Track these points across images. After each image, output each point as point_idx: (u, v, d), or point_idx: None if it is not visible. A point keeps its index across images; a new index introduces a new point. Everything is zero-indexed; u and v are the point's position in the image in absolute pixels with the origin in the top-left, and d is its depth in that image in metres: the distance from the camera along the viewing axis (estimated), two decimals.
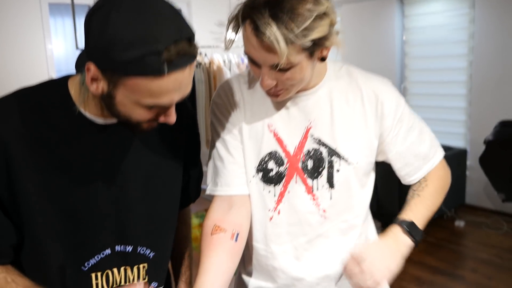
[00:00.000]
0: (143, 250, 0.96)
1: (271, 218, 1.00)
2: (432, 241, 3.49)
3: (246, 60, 4.94)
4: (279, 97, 0.93)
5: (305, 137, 0.99)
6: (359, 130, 0.98)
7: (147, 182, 0.94)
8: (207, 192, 1.04)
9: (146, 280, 0.97)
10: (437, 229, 3.64)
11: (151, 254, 0.96)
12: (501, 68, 3.76)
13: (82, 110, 0.85)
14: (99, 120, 0.87)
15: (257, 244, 1.03)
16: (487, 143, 2.98)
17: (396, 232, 0.94)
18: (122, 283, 0.95)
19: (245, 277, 1.09)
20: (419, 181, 1.04)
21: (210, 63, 4.42)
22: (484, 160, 3.04)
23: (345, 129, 0.97)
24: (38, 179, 0.83)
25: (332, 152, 0.97)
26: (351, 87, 0.99)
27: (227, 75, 4.49)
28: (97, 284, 0.92)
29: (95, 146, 0.87)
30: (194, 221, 3.72)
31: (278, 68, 0.84)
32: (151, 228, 0.96)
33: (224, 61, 4.51)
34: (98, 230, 0.89)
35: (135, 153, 0.92)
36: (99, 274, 0.91)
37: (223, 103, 1.02)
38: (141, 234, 0.95)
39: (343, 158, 0.97)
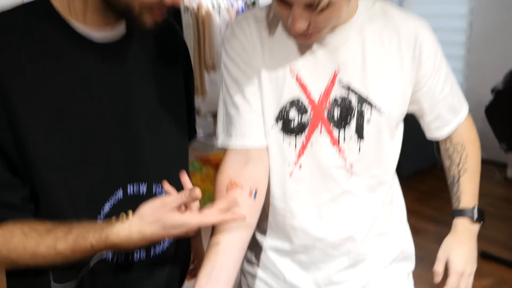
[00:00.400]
0: (158, 190, 0.88)
1: (291, 173, 0.91)
2: (425, 190, 3.50)
3: (235, 4, 4.70)
4: (310, 40, 0.82)
5: (332, 82, 0.87)
6: (394, 76, 0.87)
7: (154, 112, 0.87)
8: (219, 143, 0.93)
9: None
10: (430, 178, 3.64)
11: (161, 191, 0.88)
12: (503, 16, 3.62)
13: (74, 24, 0.76)
14: (96, 35, 0.78)
15: (275, 201, 0.93)
16: (496, 92, 2.90)
17: (467, 226, 0.96)
18: None
19: (258, 235, 1.00)
20: (456, 149, 1.00)
21: (198, 8, 4.18)
22: (490, 110, 2.97)
23: (378, 74, 0.86)
24: (40, 119, 0.73)
25: (363, 100, 0.87)
26: (387, 27, 0.87)
27: (216, 20, 4.27)
28: None
29: (96, 72, 0.79)
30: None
31: (316, 7, 0.72)
32: (163, 163, 0.88)
33: (213, 6, 4.27)
34: (107, 168, 0.80)
35: (138, 80, 0.85)
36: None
37: (239, 42, 0.89)
38: (154, 170, 0.87)
39: (375, 107, 0.87)
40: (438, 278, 0.91)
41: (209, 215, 0.76)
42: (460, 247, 0.94)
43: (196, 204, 0.78)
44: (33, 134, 0.72)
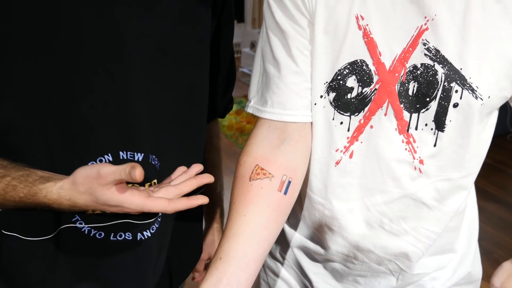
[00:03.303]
0: (154, 161, 0.69)
1: (338, 162, 0.68)
2: (488, 162, 3.13)
3: None
4: None
5: (414, 43, 0.61)
6: (506, 45, 0.59)
7: (157, 58, 0.66)
8: (249, 109, 0.70)
9: None
10: (495, 149, 3.24)
11: (157, 164, 0.70)
12: None
13: None
14: None
15: (313, 194, 0.71)
16: None
17: None
18: None
19: (286, 228, 0.79)
20: None
21: None
22: None
23: (484, 41, 0.58)
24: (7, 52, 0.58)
25: (454, 75, 0.60)
26: None
27: None
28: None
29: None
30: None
31: None
32: (167, 133, 0.69)
33: None
34: (92, 126, 0.63)
35: (139, 9, 0.63)
36: None
37: None
38: (153, 137, 0.68)
39: (469, 87, 0.60)
40: None
41: (157, 201, 0.59)
42: None
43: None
44: None
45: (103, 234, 0.69)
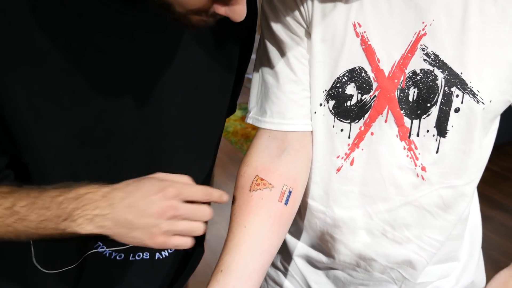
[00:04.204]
0: None
1: (339, 169, 0.67)
2: (496, 170, 3.10)
3: None
4: None
5: (412, 48, 0.60)
6: (506, 49, 0.58)
7: (189, 95, 0.66)
8: (249, 120, 0.70)
9: None
10: (503, 157, 3.22)
11: None
12: None
13: None
14: None
15: (313, 202, 0.71)
16: None
17: None
18: None
19: (288, 236, 0.79)
20: None
21: None
22: None
23: (484, 44, 0.58)
24: (30, 83, 0.55)
25: (454, 79, 0.60)
26: None
27: None
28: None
29: (118, 34, 0.57)
30: (237, 113, 3.45)
31: None
32: (189, 158, 0.68)
33: None
34: (117, 158, 0.62)
35: (175, 50, 0.62)
36: None
37: None
38: (177, 165, 0.67)
39: (470, 92, 0.60)
40: None
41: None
42: None
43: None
44: (18, 97, 0.54)
45: (123, 255, 0.70)
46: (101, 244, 0.68)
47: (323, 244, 0.73)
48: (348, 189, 0.67)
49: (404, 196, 0.66)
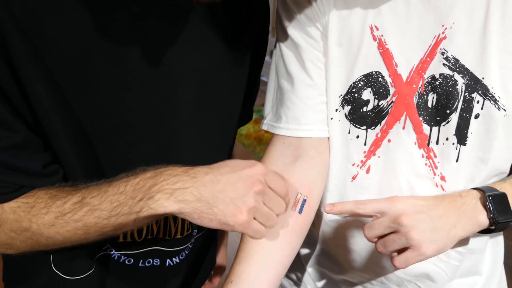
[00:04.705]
0: None
1: (354, 177, 0.65)
2: None
3: None
4: None
5: (431, 52, 0.58)
6: None
7: (200, 93, 0.64)
8: (264, 127, 0.69)
9: (190, 230, 0.71)
10: None
11: None
12: None
13: None
14: None
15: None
16: None
17: (469, 196, 0.58)
18: (160, 234, 0.68)
19: (302, 248, 0.76)
20: None
21: None
22: None
23: (506, 49, 0.55)
24: (44, 81, 0.52)
25: (475, 85, 0.57)
26: None
27: None
28: (124, 235, 0.66)
29: (129, 28, 0.55)
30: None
31: None
32: (202, 155, 0.66)
33: None
34: (128, 154, 0.60)
35: (187, 46, 0.60)
36: None
37: None
38: (189, 163, 0.65)
39: (491, 97, 0.57)
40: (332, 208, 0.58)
41: None
42: (432, 203, 0.56)
43: None
44: (40, 96, 0.52)
45: (132, 260, 0.68)
46: (110, 247, 0.67)
47: (338, 255, 0.70)
48: (363, 197, 0.65)
49: None
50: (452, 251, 0.65)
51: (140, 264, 0.70)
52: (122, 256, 0.68)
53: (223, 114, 0.69)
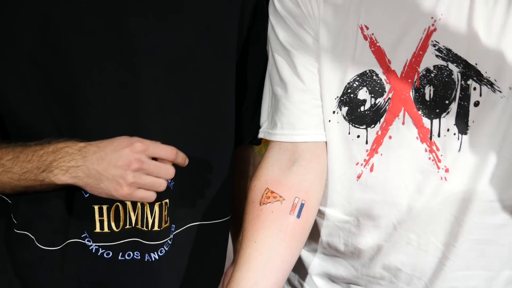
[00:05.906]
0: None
1: (359, 176, 0.65)
2: None
3: None
4: None
5: (423, 45, 0.58)
6: None
7: (174, 71, 0.65)
8: (260, 135, 0.69)
9: (168, 223, 0.70)
10: None
11: (171, 184, 0.69)
12: None
13: None
14: None
15: (335, 213, 0.68)
16: None
17: None
18: (138, 225, 0.68)
19: (304, 253, 0.75)
20: None
21: None
22: None
23: (494, 30, 0.55)
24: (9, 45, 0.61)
25: (469, 71, 0.57)
26: None
27: None
28: (101, 222, 0.67)
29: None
30: None
31: None
32: (174, 140, 0.66)
33: None
34: (102, 138, 0.63)
35: (157, 20, 0.63)
36: (104, 207, 0.66)
37: None
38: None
39: (487, 82, 0.57)
40: None
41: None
42: None
43: None
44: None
45: (111, 253, 0.69)
46: (88, 236, 0.67)
47: (345, 257, 0.70)
48: (369, 197, 0.65)
49: (427, 202, 0.62)
50: None
51: (119, 257, 0.69)
52: (100, 249, 0.68)
53: (204, 101, 0.69)
